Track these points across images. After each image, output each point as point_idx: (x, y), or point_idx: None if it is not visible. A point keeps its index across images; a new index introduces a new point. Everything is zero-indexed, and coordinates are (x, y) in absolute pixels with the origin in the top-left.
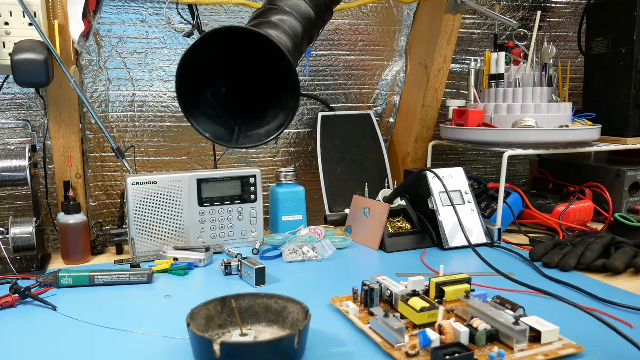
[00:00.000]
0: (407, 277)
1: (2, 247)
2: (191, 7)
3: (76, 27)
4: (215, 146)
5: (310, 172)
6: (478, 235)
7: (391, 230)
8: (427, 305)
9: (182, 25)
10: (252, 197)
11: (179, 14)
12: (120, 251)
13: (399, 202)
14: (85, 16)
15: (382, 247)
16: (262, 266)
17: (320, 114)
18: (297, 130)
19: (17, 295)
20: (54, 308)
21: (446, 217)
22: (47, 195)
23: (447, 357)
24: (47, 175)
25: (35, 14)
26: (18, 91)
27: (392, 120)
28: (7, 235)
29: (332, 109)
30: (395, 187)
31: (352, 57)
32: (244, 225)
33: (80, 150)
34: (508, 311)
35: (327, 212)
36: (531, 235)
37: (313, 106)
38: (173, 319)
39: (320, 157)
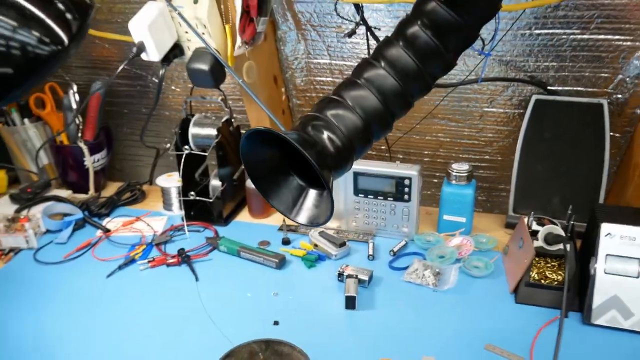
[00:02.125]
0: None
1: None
2: (357, 5)
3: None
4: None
5: (512, 155)
6: None
7: (536, 277)
8: None
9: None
10: (406, 197)
11: (337, 13)
12: None
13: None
14: (250, 21)
15: (516, 292)
16: (352, 295)
17: (534, 97)
18: (506, 111)
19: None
20: (197, 279)
21: (607, 285)
22: None
23: None
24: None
25: (205, 25)
26: None
27: (638, 112)
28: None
29: (550, 92)
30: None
31: (584, 35)
32: (396, 220)
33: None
34: None
35: (510, 212)
36: None
37: (526, 87)
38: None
39: (520, 148)
